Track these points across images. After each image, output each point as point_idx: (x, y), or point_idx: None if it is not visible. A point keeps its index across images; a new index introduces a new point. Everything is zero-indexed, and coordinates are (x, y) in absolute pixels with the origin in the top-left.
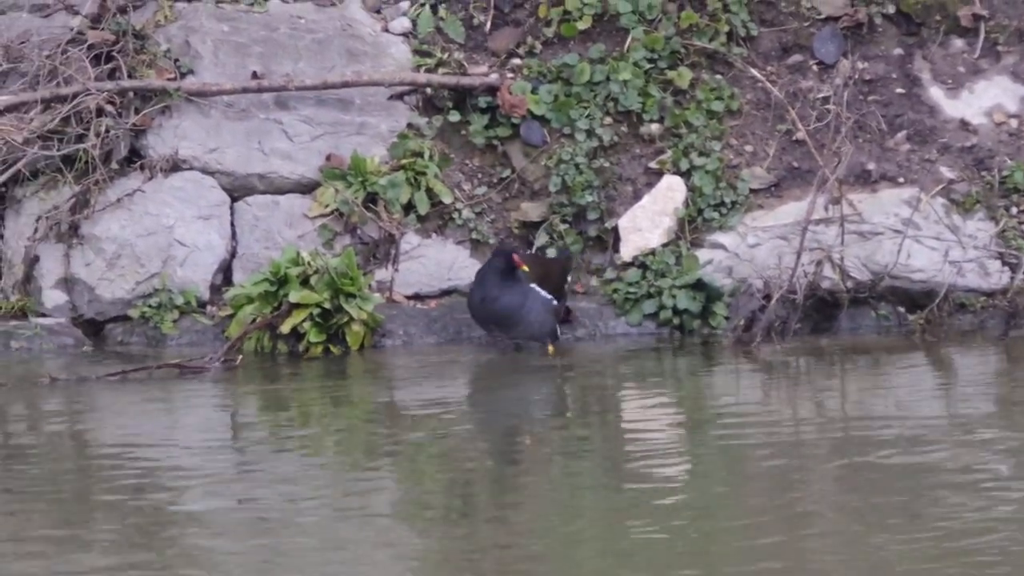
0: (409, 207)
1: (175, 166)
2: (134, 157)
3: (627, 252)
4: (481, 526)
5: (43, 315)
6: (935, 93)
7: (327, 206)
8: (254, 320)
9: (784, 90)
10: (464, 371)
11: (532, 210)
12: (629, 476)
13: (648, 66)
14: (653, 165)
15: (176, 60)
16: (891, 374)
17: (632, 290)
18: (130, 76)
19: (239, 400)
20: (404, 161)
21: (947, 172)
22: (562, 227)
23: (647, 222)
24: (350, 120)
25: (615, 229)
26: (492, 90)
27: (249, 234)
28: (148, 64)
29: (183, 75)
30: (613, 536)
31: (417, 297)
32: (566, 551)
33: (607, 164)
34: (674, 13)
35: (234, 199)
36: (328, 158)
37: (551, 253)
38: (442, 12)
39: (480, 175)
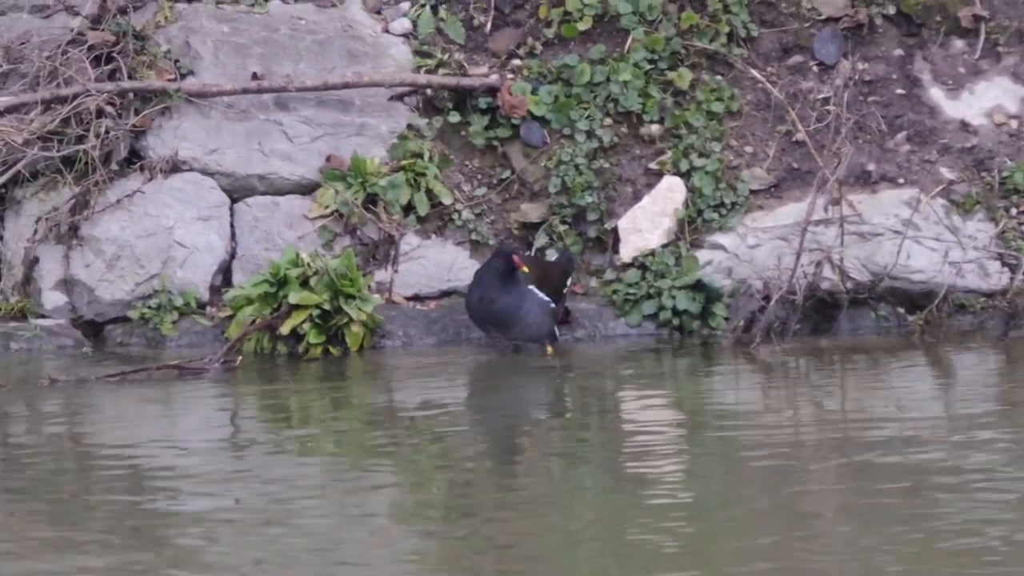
0: (409, 208)
1: (175, 167)
2: (134, 158)
3: (627, 253)
4: (481, 526)
5: (43, 316)
6: (935, 94)
7: (327, 207)
8: (253, 321)
9: (784, 91)
10: (463, 372)
11: (532, 211)
12: (628, 476)
13: (648, 67)
14: (653, 166)
15: (176, 61)
16: (890, 375)
17: (632, 291)
18: (130, 77)
19: (238, 401)
20: (404, 162)
21: (947, 173)
22: (562, 228)
23: (647, 223)
24: (350, 121)
25: (615, 230)
26: (492, 91)
27: (249, 235)
28: (148, 65)
29: (183, 76)
30: (612, 536)
31: (417, 298)
32: (566, 551)
33: (607, 165)
34: (674, 14)
35: (234, 200)
36: (328, 159)
37: (551, 254)
38: (442, 13)
39: (480, 176)
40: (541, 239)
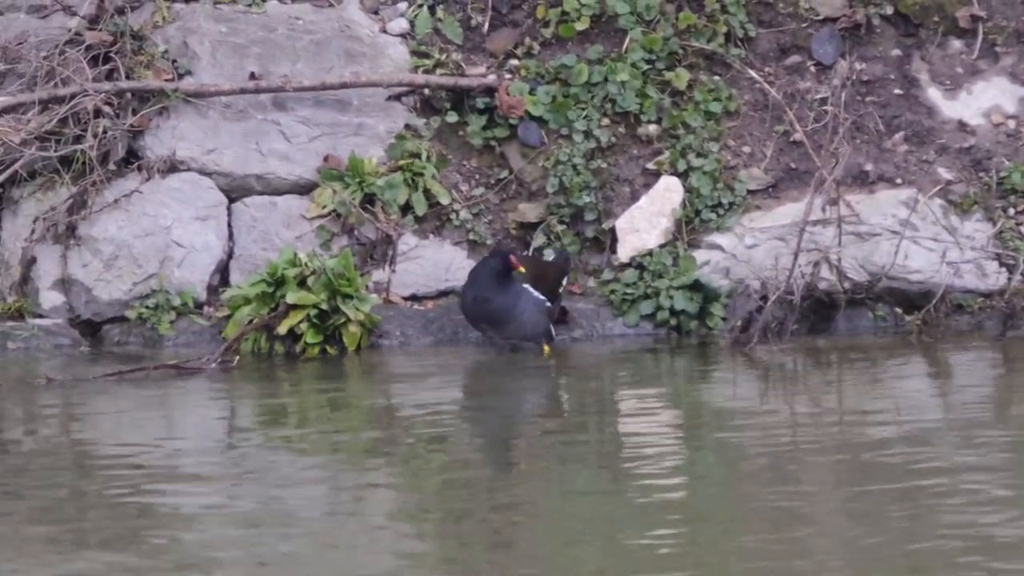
0: (407, 208)
1: (172, 167)
2: (131, 158)
3: (624, 253)
4: (479, 526)
5: (40, 316)
6: (933, 94)
7: (324, 207)
8: (251, 321)
9: (782, 91)
10: (461, 372)
11: (529, 211)
12: (626, 476)
13: (646, 67)
14: (651, 166)
15: (174, 61)
16: (888, 375)
17: (629, 291)
18: (128, 77)
19: (236, 401)
20: (402, 162)
21: (945, 173)
22: (559, 228)
23: (644, 223)
24: (348, 121)
25: (612, 230)
26: (490, 91)
27: (246, 235)
28: (146, 65)
29: (181, 76)
30: (611, 536)
31: (414, 298)
32: (565, 551)
33: (605, 165)
34: (672, 14)
35: (231, 200)
36: (326, 159)
37: (549, 254)
38: (440, 13)
39: (478, 176)
40: (539, 239)
